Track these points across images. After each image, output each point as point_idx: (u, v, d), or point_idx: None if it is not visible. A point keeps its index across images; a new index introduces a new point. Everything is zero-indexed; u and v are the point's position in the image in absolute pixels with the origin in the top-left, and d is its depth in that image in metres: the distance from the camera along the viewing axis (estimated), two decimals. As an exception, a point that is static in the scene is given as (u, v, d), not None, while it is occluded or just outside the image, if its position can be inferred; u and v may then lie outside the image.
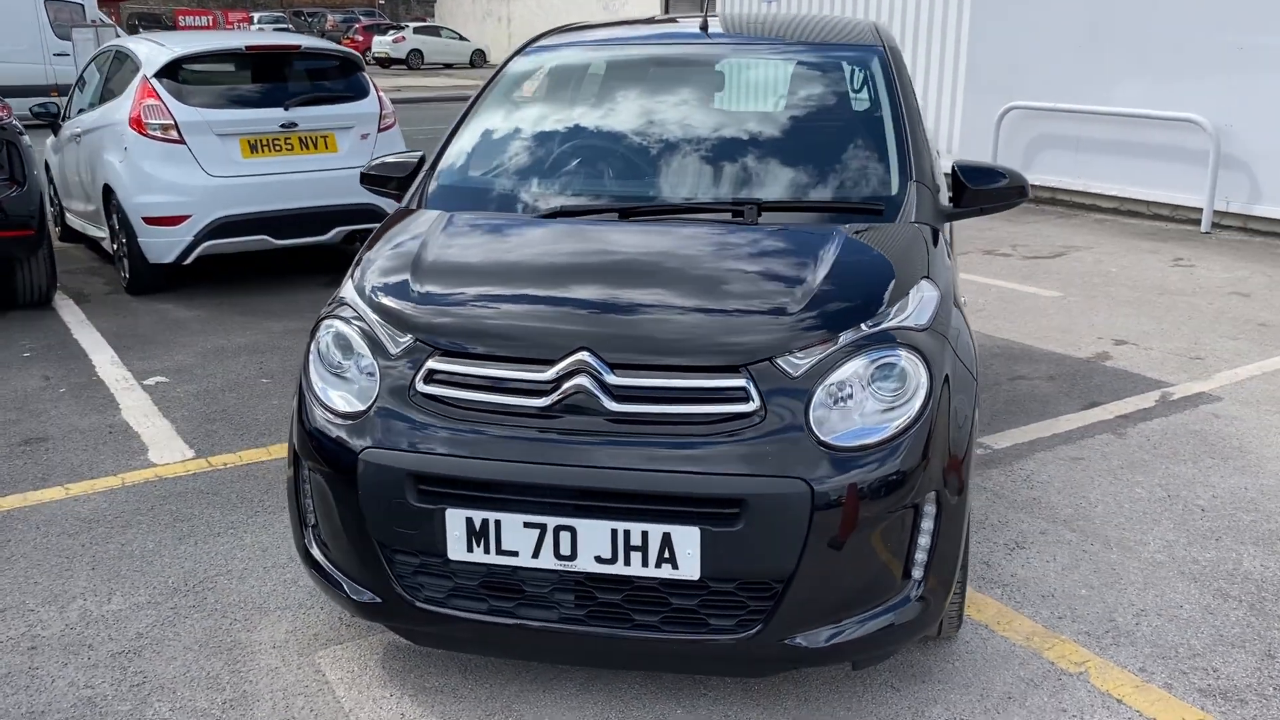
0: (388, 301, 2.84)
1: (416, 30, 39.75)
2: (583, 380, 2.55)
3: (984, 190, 3.40)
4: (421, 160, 3.78)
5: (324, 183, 7.02)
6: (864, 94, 3.59)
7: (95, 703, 2.82)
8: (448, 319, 2.76)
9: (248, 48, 7.06)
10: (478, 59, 40.15)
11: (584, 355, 2.57)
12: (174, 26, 41.31)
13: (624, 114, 3.69)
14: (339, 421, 2.71)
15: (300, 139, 6.96)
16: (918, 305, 2.77)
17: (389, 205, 7.26)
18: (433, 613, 2.63)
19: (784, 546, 2.44)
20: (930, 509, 2.59)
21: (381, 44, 38.57)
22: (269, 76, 7.09)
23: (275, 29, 42.99)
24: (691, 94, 3.75)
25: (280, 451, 4.45)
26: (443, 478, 2.54)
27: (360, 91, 7.31)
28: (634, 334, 2.64)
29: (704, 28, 3.96)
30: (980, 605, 3.25)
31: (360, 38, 40.40)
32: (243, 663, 3.00)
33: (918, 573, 2.61)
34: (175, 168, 6.66)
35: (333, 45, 7.67)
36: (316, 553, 2.86)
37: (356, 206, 7.13)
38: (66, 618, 3.22)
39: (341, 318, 2.89)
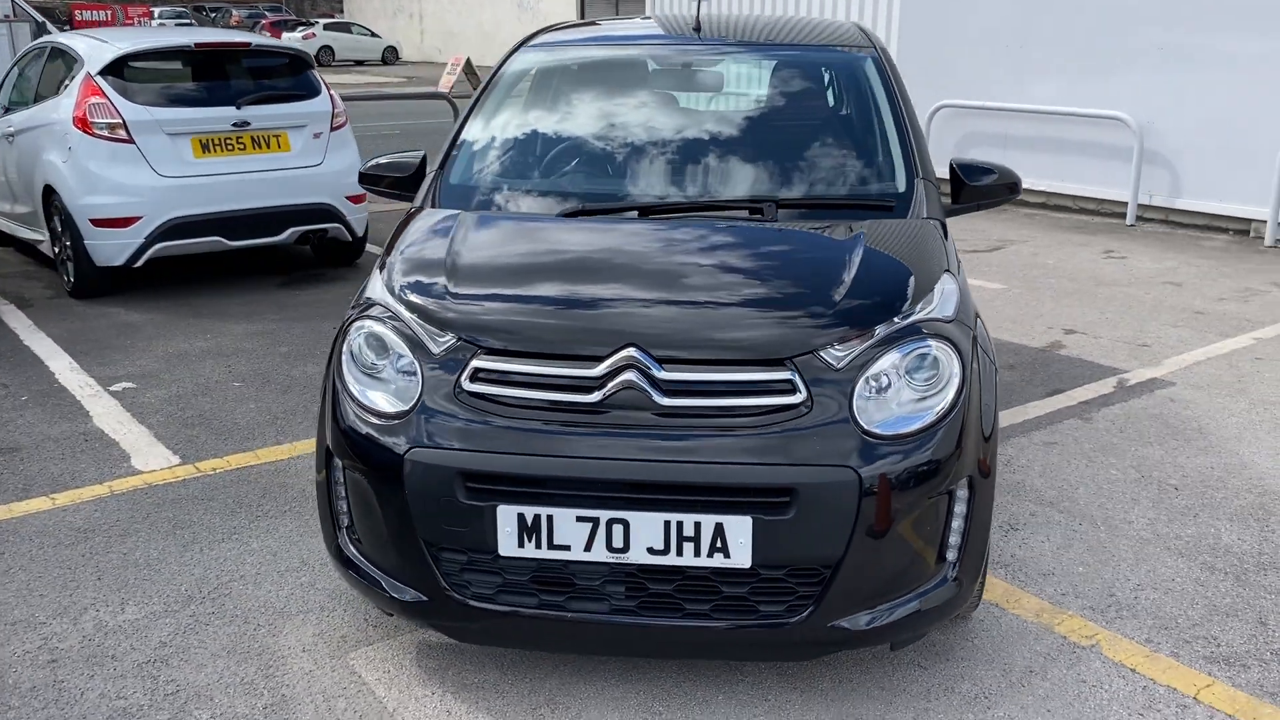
0: (424, 301, 2.85)
1: (327, 27, 39.08)
2: (632, 376, 2.60)
3: (980, 187, 3.55)
4: (424, 160, 3.78)
5: (278, 182, 6.91)
6: (865, 94, 3.71)
7: (131, 713, 2.77)
8: (492, 318, 2.78)
9: (196, 45, 6.91)
10: (389, 56, 39.65)
11: (632, 351, 2.62)
12: (70, 20, 39.87)
13: (631, 114, 3.74)
14: (381, 421, 2.71)
15: (253, 138, 6.83)
16: (941, 297, 2.88)
17: (344, 206, 7.22)
18: (482, 609, 2.65)
19: (833, 533, 2.53)
20: (963, 493, 2.71)
21: (291, 41, 37.79)
22: (219, 74, 6.95)
23: (177, 24, 41.82)
24: (697, 93, 3.82)
25: (269, 455, 4.40)
26: (494, 475, 2.57)
27: (311, 90, 7.20)
28: (680, 329, 2.70)
29: (697, 29, 4.03)
30: (988, 585, 3.38)
31: (267, 34, 39.52)
32: (275, 667, 2.97)
33: (952, 555, 2.72)
34: (124, 168, 6.49)
35: (282, 43, 7.55)
36: (352, 552, 2.86)
37: (311, 206, 7.06)
38: (81, 629, 3.15)
39: (374, 317, 2.89)
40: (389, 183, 3.83)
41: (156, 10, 44.19)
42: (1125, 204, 9.50)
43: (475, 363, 2.68)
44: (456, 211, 3.34)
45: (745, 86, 3.75)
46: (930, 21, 11.06)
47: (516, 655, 3.01)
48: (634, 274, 2.92)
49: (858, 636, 2.64)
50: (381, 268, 3.10)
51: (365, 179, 3.84)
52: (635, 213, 3.26)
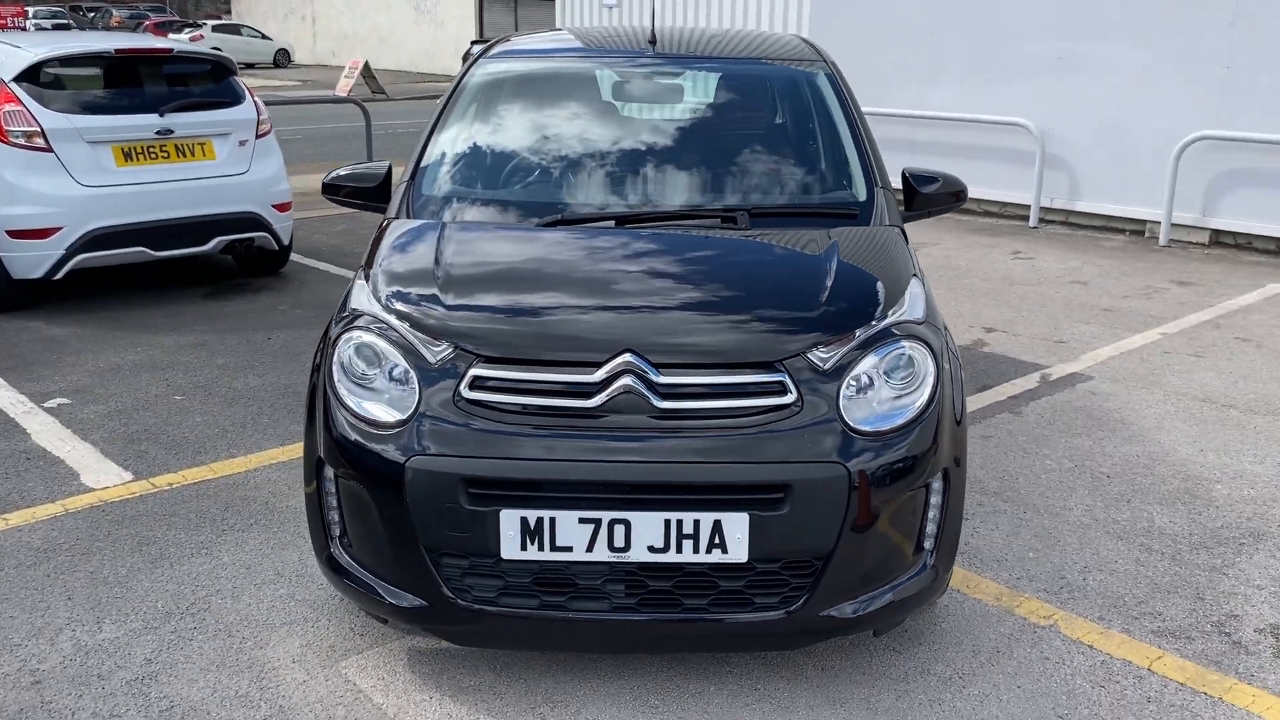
0: (416, 311, 2.90)
1: (216, 29, 38.01)
2: (629, 380, 2.69)
3: (931, 194, 3.74)
4: (389, 171, 3.80)
5: (203, 191, 6.78)
6: (824, 108, 3.87)
7: (128, 731, 2.75)
8: (489, 326, 2.84)
9: (117, 51, 6.73)
10: (281, 59, 38.80)
11: (629, 356, 2.71)
12: (-63, 20, 38.02)
13: (600, 125, 3.83)
14: (378, 431, 2.74)
15: (177, 146, 6.70)
16: (911, 301, 3.05)
17: (270, 215, 7.12)
18: (484, 612, 2.71)
19: (825, 526, 2.66)
20: (938, 484, 2.87)
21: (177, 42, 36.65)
22: (140, 81, 6.78)
23: (54, 25, 40.25)
24: (660, 105, 3.93)
25: (224, 469, 4.35)
26: (498, 480, 2.63)
27: (236, 97, 7.09)
28: (674, 334, 2.80)
29: (652, 41, 4.14)
30: (949, 572, 3.56)
31: (152, 35, 38.25)
32: (268, 679, 2.98)
33: (929, 543, 2.88)
34: (42, 177, 6.29)
35: (205, 49, 7.42)
36: (346, 561, 2.89)
37: (237, 215, 6.95)
38: (60, 650, 3.10)
39: (363, 328, 2.92)
40: (349, 192, 3.84)
41: (31, 10, 42.44)
42: (1028, 206, 9.93)
43: (474, 371, 2.74)
44: (437, 221, 3.38)
45: (709, 99, 3.88)
46: (839, 30, 11.37)
47: (509, 656, 3.07)
48: (625, 281, 3.02)
49: (846, 624, 2.78)
50: (366, 279, 3.12)
51: (327, 189, 3.85)
52: (613, 221, 3.35)
